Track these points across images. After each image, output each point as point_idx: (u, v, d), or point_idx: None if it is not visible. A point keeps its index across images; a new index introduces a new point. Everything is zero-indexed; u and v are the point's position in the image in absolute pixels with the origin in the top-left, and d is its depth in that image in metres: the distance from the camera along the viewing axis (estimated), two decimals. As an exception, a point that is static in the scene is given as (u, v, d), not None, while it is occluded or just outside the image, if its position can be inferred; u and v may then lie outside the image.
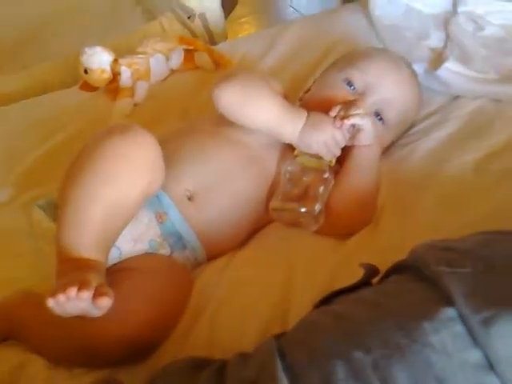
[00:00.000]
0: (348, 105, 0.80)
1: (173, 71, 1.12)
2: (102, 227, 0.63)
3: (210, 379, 0.48)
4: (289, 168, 0.77)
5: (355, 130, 0.79)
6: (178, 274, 0.72)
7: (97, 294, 0.56)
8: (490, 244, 0.50)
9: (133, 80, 1.05)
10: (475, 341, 0.39)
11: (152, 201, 0.73)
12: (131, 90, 1.04)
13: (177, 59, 1.09)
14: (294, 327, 0.50)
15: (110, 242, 0.65)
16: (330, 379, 0.40)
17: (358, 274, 0.56)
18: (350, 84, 0.84)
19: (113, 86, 1.05)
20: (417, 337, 0.40)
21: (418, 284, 0.46)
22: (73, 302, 0.55)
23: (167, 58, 1.10)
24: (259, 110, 0.78)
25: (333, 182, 0.77)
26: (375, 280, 0.56)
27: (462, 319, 0.41)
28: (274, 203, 0.74)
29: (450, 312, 0.41)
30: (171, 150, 0.76)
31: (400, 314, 0.44)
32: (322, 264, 0.73)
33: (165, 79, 1.11)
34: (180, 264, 0.73)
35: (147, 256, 0.71)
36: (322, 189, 0.74)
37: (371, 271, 0.56)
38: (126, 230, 0.69)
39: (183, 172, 0.76)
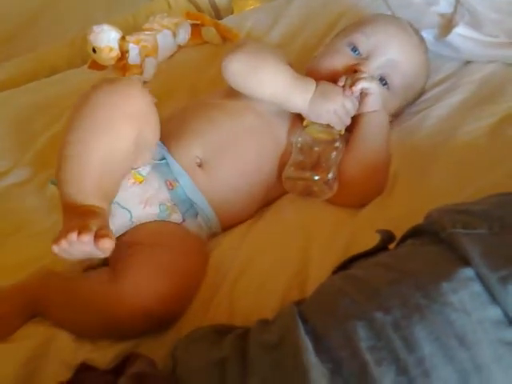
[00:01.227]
0: (353, 71, 0.80)
1: (180, 47, 1.11)
2: (100, 174, 0.65)
3: (233, 344, 0.50)
4: (299, 139, 0.77)
5: (363, 95, 0.79)
6: (191, 244, 0.72)
7: (98, 237, 0.57)
8: (504, 205, 0.50)
9: (141, 57, 1.04)
10: (493, 298, 0.40)
11: (162, 169, 0.74)
12: (140, 67, 1.05)
13: (184, 34, 1.09)
14: (314, 292, 0.51)
15: (109, 189, 0.67)
16: (353, 339, 0.41)
17: (375, 242, 0.57)
18: (354, 49, 0.84)
19: (121, 63, 1.04)
20: (436, 297, 0.41)
21: (435, 247, 0.47)
22: (75, 246, 0.58)
23: (174, 34, 1.09)
24: (267, 80, 0.78)
25: (343, 150, 0.77)
26: (392, 246, 0.57)
27: (480, 278, 0.41)
28: (287, 172, 0.75)
29: (467, 272, 0.42)
30: (180, 123, 0.78)
31: (418, 276, 0.44)
32: (338, 233, 0.74)
33: (173, 55, 1.11)
34: (193, 233, 0.74)
35: (159, 226, 0.72)
36: (333, 156, 0.75)
37: (387, 237, 0.56)
38: (135, 192, 0.70)
39: (192, 141, 0.77)
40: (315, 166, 0.73)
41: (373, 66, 0.82)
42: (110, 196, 0.67)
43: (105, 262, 0.71)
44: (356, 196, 0.78)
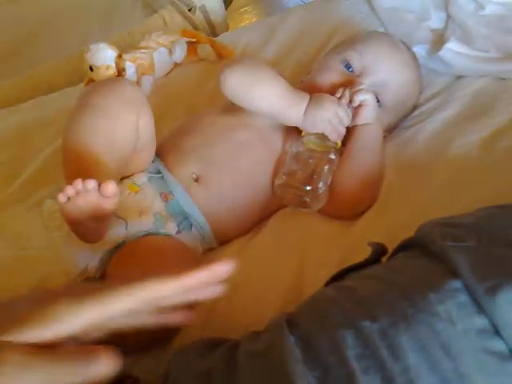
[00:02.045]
0: (349, 85, 0.82)
1: (176, 64, 1.13)
2: (104, 155, 0.66)
3: (222, 355, 0.50)
4: (294, 148, 0.78)
5: (358, 107, 0.81)
6: (187, 257, 0.73)
7: (101, 184, 0.59)
8: (493, 218, 0.51)
9: (138, 75, 1.06)
10: (480, 309, 0.41)
11: (157, 182, 0.76)
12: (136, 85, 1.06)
13: (180, 52, 1.10)
14: (305, 301, 0.52)
15: (113, 166, 0.68)
16: (341, 347, 0.42)
17: (368, 254, 0.58)
18: (347, 66, 0.86)
19: (118, 81, 1.06)
20: (423, 306, 0.42)
21: (425, 259, 0.48)
22: (81, 195, 0.58)
23: (170, 52, 1.11)
24: (264, 93, 0.80)
25: (337, 162, 0.78)
26: (384, 258, 0.58)
27: (467, 289, 0.42)
28: (279, 180, 0.76)
29: (455, 284, 0.43)
30: (177, 139, 0.80)
31: (406, 286, 0.45)
32: (333, 246, 0.75)
33: (169, 72, 1.12)
34: (189, 246, 0.75)
35: (155, 240, 0.73)
36: (326, 169, 0.76)
37: (379, 249, 0.57)
38: (130, 201, 0.72)
39: (188, 157, 0.78)
40: (308, 177, 0.74)
41: (366, 83, 0.83)
42: (113, 174, 0.68)
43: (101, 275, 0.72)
44: (348, 207, 0.79)
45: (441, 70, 1.01)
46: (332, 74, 0.85)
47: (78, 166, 0.64)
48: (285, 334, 0.46)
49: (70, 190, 0.58)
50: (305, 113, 0.78)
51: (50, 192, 0.77)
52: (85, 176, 0.60)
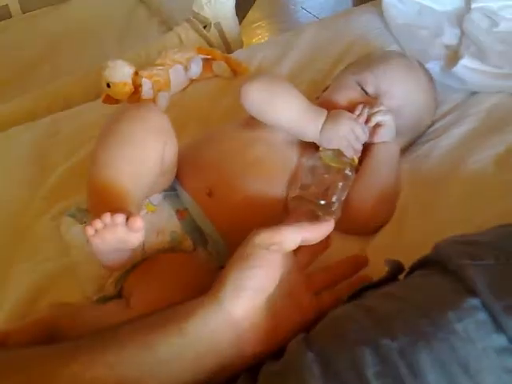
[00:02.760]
0: (368, 104, 0.82)
1: (192, 80, 1.14)
2: (129, 184, 0.66)
3: (246, 379, 0.50)
4: (310, 163, 0.78)
5: (376, 126, 0.81)
6: (202, 272, 0.73)
7: (129, 219, 0.58)
8: (510, 236, 0.51)
9: (154, 91, 1.07)
10: (498, 327, 0.41)
11: (172, 198, 0.76)
12: (153, 101, 1.07)
13: (196, 69, 1.11)
14: (324, 319, 0.52)
15: (138, 199, 0.68)
16: (359, 365, 0.42)
17: (385, 271, 0.58)
18: (363, 88, 0.86)
19: (135, 97, 1.07)
20: (441, 325, 0.42)
21: (442, 277, 0.48)
22: (109, 229, 0.58)
23: (186, 68, 1.12)
24: (283, 108, 0.81)
25: (352, 179, 0.78)
26: (401, 276, 0.58)
27: (486, 307, 0.42)
28: (293, 193, 0.76)
29: (473, 302, 0.43)
30: (191, 155, 0.81)
31: (425, 304, 0.45)
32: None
33: (184, 88, 1.14)
34: (204, 262, 0.75)
35: (171, 257, 0.73)
36: (341, 185, 0.76)
37: (396, 267, 0.57)
38: (148, 221, 0.71)
39: (202, 173, 0.79)
40: (322, 192, 0.75)
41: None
42: (138, 205, 0.68)
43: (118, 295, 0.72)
44: (363, 223, 0.79)
45: (455, 86, 1.01)
46: (349, 93, 0.86)
47: (105, 197, 0.64)
48: (302, 351, 0.47)
49: (98, 224, 0.58)
50: (322, 128, 0.79)
51: (69, 210, 0.77)
52: (112, 208, 0.61)
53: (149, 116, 0.72)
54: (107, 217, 0.58)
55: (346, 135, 0.78)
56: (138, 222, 0.58)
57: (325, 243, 0.63)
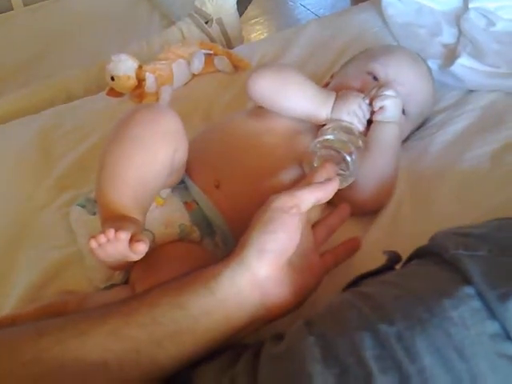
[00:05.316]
0: (380, 85, 0.85)
1: (194, 75, 1.16)
2: (136, 188, 0.67)
3: (248, 361, 0.52)
4: (325, 135, 0.79)
5: (380, 106, 0.83)
6: (208, 262, 0.75)
7: (133, 240, 0.60)
8: (504, 228, 0.53)
9: (157, 85, 1.09)
10: (492, 314, 0.43)
11: (181, 191, 0.77)
12: (156, 95, 1.09)
13: (198, 63, 1.13)
14: (324, 305, 0.54)
15: (144, 203, 0.69)
16: (359, 348, 0.44)
17: (382, 262, 0.60)
18: (373, 76, 0.88)
19: (138, 91, 1.09)
20: (437, 312, 0.44)
21: (438, 267, 0.50)
22: (112, 243, 0.60)
23: (189, 63, 1.14)
24: (294, 94, 0.83)
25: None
26: (398, 266, 0.60)
27: (480, 296, 0.44)
28: (315, 145, 0.77)
29: (468, 290, 0.45)
30: (199, 147, 0.81)
31: (422, 292, 0.47)
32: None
33: (187, 83, 1.16)
34: (210, 252, 0.77)
35: (178, 246, 0.75)
36: (359, 144, 0.78)
37: (394, 257, 0.59)
38: (157, 214, 0.73)
39: (210, 165, 0.80)
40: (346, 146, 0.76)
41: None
42: (145, 209, 0.69)
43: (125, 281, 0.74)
44: (364, 200, 0.80)
45: (452, 85, 1.03)
46: (359, 82, 0.88)
47: (112, 202, 0.66)
48: (304, 334, 0.49)
49: (102, 239, 0.60)
50: (332, 108, 0.81)
51: (78, 199, 0.79)
52: (117, 215, 0.63)
53: (160, 119, 0.71)
54: (111, 233, 0.59)
55: (355, 110, 0.81)
56: (141, 247, 0.60)
57: (340, 219, 0.70)
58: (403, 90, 0.86)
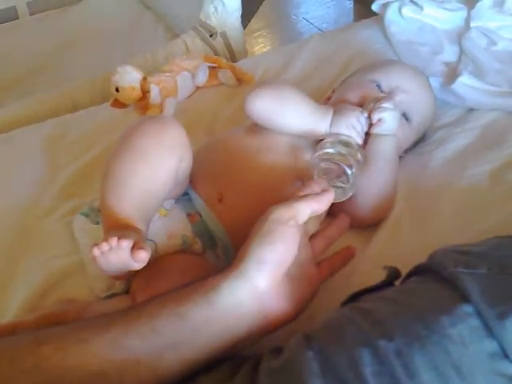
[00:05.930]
0: (378, 99, 0.85)
1: (198, 87, 1.17)
2: (140, 199, 0.68)
3: (247, 374, 0.52)
4: (324, 149, 0.80)
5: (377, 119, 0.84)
6: (209, 275, 0.75)
7: (135, 248, 0.60)
8: (503, 247, 0.54)
9: (161, 97, 1.10)
10: (490, 333, 0.43)
11: (185, 203, 0.78)
12: (160, 107, 1.10)
13: (202, 76, 1.14)
14: (323, 320, 0.55)
15: (148, 213, 0.70)
16: (358, 363, 0.45)
17: (380, 277, 0.61)
18: (377, 85, 0.90)
19: (143, 102, 1.10)
20: (436, 329, 0.45)
21: (438, 284, 0.50)
22: (114, 251, 0.60)
23: (193, 76, 1.15)
24: (291, 112, 0.84)
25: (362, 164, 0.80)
26: (397, 282, 0.61)
27: (479, 314, 0.44)
28: (316, 157, 0.78)
29: (467, 308, 0.45)
30: (202, 161, 0.82)
31: (421, 309, 0.48)
32: (345, 269, 0.77)
33: (191, 95, 1.17)
34: (211, 264, 0.77)
35: (179, 257, 0.75)
36: (358, 157, 0.78)
37: (394, 273, 0.60)
38: (160, 225, 0.74)
39: (213, 179, 0.81)
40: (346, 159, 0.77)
41: (397, 101, 0.86)
42: (148, 220, 0.70)
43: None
44: (364, 212, 0.81)
45: (453, 103, 1.04)
46: (363, 91, 0.89)
47: (115, 213, 0.66)
48: (302, 348, 0.49)
49: (104, 247, 0.60)
50: (331, 123, 0.82)
51: (82, 208, 0.79)
52: (121, 225, 0.63)
53: (165, 130, 0.72)
54: (114, 241, 0.60)
55: (354, 124, 0.82)
56: (142, 255, 0.61)
57: (339, 230, 0.71)
58: (406, 96, 0.87)
